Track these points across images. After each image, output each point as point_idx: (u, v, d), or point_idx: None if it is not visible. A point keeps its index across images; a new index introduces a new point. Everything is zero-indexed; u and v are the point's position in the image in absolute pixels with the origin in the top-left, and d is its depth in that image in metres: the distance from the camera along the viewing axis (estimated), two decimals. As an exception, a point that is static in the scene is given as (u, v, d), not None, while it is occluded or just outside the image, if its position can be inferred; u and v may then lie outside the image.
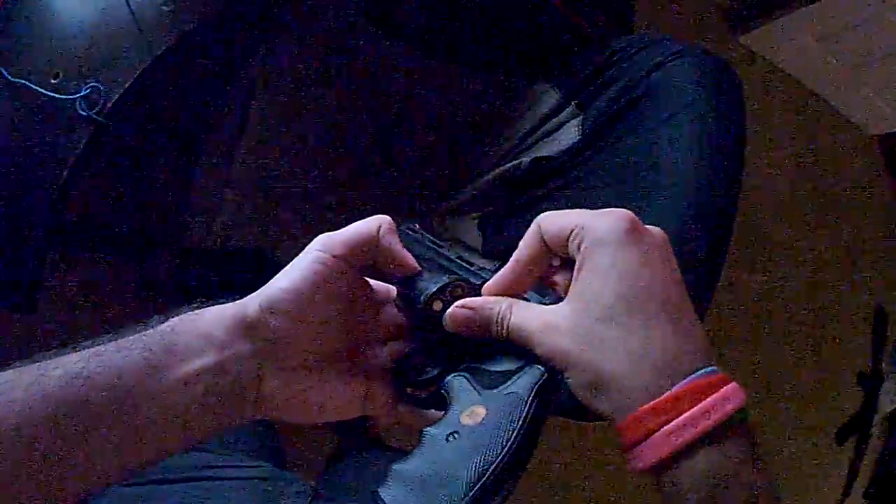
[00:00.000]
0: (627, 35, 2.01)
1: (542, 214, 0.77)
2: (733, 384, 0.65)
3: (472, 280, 0.83)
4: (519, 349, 0.75)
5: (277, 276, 0.79)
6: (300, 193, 1.96)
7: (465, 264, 0.87)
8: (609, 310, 0.68)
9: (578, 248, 0.71)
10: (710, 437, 0.61)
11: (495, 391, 0.73)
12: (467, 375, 0.77)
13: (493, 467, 0.66)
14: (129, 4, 1.58)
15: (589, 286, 0.70)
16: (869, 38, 3.19)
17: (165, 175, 2.02)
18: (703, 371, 0.65)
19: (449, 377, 0.78)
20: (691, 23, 3.40)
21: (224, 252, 1.93)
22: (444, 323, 0.78)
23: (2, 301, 1.72)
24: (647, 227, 0.74)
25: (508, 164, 1.77)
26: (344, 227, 0.81)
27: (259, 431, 1.52)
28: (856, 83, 3.50)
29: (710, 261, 1.44)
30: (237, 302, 0.78)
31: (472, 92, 2.00)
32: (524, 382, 0.72)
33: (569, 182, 1.70)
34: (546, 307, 0.74)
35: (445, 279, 0.80)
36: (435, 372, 0.80)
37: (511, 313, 0.75)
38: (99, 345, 0.71)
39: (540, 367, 0.73)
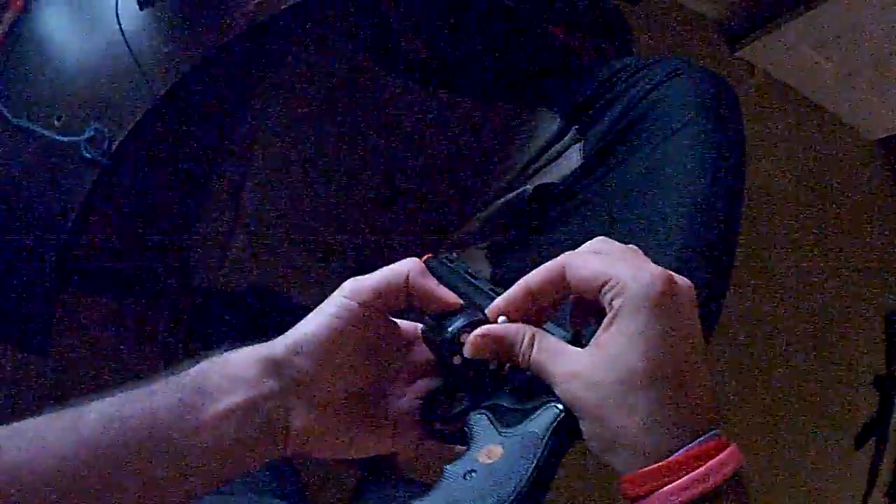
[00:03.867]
0: (626, 57, 2.02)
1: (570, 254, 0.78)
2: (733, 447, 0.68)
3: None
4: (540, 388, 0.76)
5: (304, 319, 0.80)
6: (308, 231, 1.97)
7: (496, 296, 0.86)
8: (632, 374, 0.69)
9: (610, 302, 0.73)
10: (707, 497, 0.65)
11: (513, 429, 0.74)
12: (488, 413, 0.78)
13: None
14: (128, 46, 1.59)
15: (616, 345, 0.71)
16: (866, 43, 3.20)
17: (173, 216, 2.03)
18: (708, 435, 0.68)
19: (472, 414, 0.79)
20: (688, 40, 3.41)
21: (234, 292, 1.93)
22: (464, 349, 0.79)
23: (15, 343, 1.74)
24: (677, 280, 0.75)
25: (512, 194, 1.78)
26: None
27: (279, 469, 1.53)
28: (855, 88, 3.50)
29: (712, 291, 1.43)
30: (264, 343, 0.79)
31: (474, 122, 2.01)
32: (542, 421, 0.73)
33: (572, 208, 1.70)
34: (569, 349, 0.76)
35: (463, 321, 0.81)
36: (462, 408, 0.81)
37: (533, 348, 0.77)
38: (131, 389, 0.73)
39: (559, 406, 0.74)
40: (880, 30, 3.08)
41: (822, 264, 3.55)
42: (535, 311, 0.81)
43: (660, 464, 0.66)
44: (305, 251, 1.96)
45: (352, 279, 0.81)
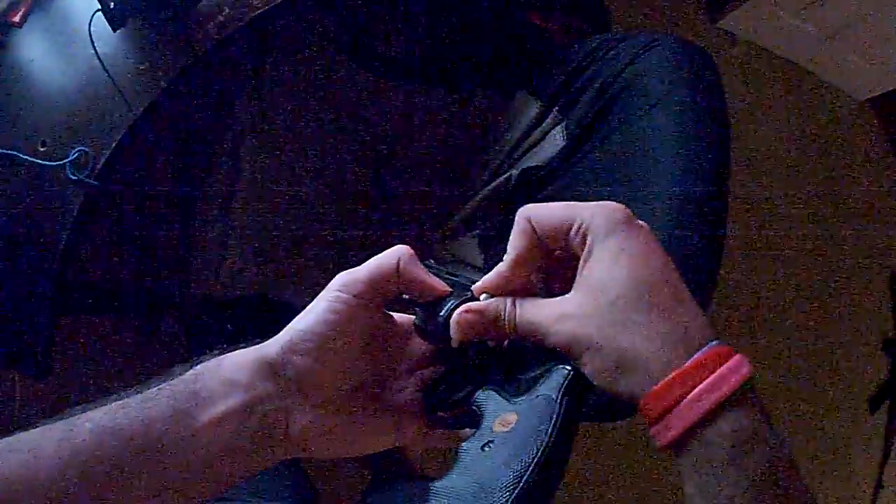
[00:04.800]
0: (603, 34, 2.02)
1: (526, 208, 0.78)
2: (739, 355, 0.67)
3: None
4: (543, 354, 0.75)
5: (298, 317, 0.79)
6: (300, 234, 1.97)
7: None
8: (624, 292, 0.69)
9: (582, 240, 0.73)
10: (731, 401, 0.64)
11: (524, 397, 0.73)
12: (496, 388, 0.77)
13: (530, 468, 0.65)
14: (104, 67, 1.60)
15: (600, 272, 0.71)
16: (846, 2, 3.19)
17: (165, 229, 2.04)
18: (713, 343, 0.67)
19: (477, 393, 0.78)
20: (668, 13, 3.40)
21: (231, 299, 1.93)
22: (450, 332, 0.78)
23: (16, 366, 1.74)
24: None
25: (499, 180, 1.78)
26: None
27: (289, 477, 1.52)
28: (839, 50, 3.48)
29: (708, 250, 1.43)
30: (258, 345, 0.78)
31: (456, 113, 2.01)
32: (552, 383, 0.72)
33: (559, 189, 1.70)
34: (552, 300, 0.75)
35: (454, 303, 0.79)
36: (464, 392, 0.80)
37: (517, 309, 0.75)
38: (125, 398, 0.72)
39: (566, 366, 0.72)
40: (860, -11, 3.08)
41: (821, 229, 3.55)
42: (519, 282, 0.79)
43: (675, 373, 0.65)
44: (299, 254, 1.97)
45: (342, 273, 0.80)
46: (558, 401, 0.70)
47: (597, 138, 1.67)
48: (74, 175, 1.58)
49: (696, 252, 1.40)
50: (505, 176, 1.77)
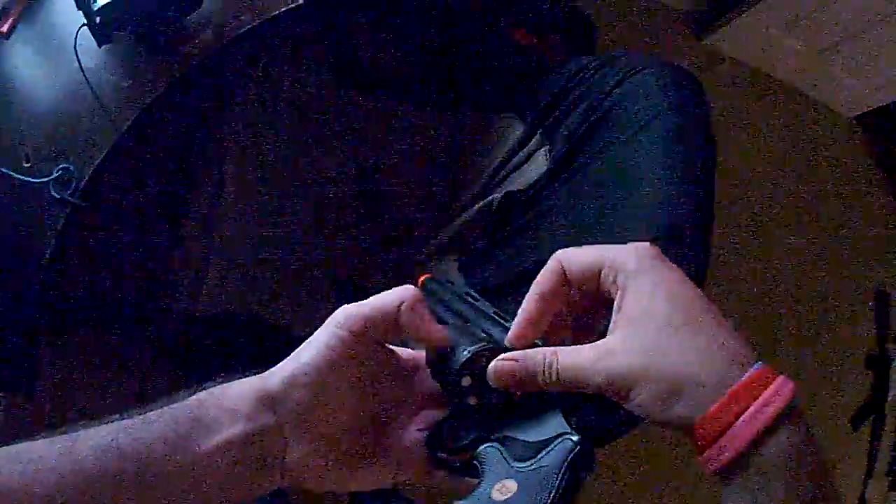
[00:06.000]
0: (588, 55, 2.02)
1: (560, 252, 0.78)
2: (782, 376, 0.68)
3: (503, 338, 0.81)
4: (552, 418, 0.74)
5: (298, 350, 0.78)
6: (284, 252, 1.97)
7: (499, 319, 0.85)
8: (669, 320, 0.70)
9: (614, 281, 0.73)
10: (781, 419, 0.64)
11: (526, 464, 0.71)
12: (500, 447, 0.75)
13: None
14: (89, 83, 1.59)
15: (640, 306, 0.71)
16: (833, 20, 3.20)
17: (149, 246, 2.03)
18: (755, 365, 0.67)
19: (482, 447, 0.76)
20: (654, 31, 3.42)
21: (213, 316, 1.93)
22: (487, 377, 0.77)
23: (1, 384, 1.73)
24: None
25: (482, 203, 1.78)
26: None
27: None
28: (828, 67, 3.50)
29: (695, 274, 1.43)
30: (260, 375, 0.78)
31: (441, 133, 2.01)
32: (557, 455, 0.71)
33: (542, 213, 1.70)
34: (589, 345, 0.74)
35: (470, 351, 0.78)
36: (469, 439, 0.78)
37: (558, 357, 0.74)
38: (127, 418, 0.72)
39: (572, 437, 0.71)
40: (846, 6, 3.09)
41: (808, 246, 3.56)
42: (544, 324, 0.79)
43: (730, 391, 0.65)
44: (281, 272, 1.96)
45: (343, 307, 0.79)
46: (560, 475, 0.69)
47: (581, 162, 1.67)
48: (58, 193, 1.57)
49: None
50: (488, 199, 1.77)
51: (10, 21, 1.72)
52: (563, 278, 0.76)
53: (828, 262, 3.59)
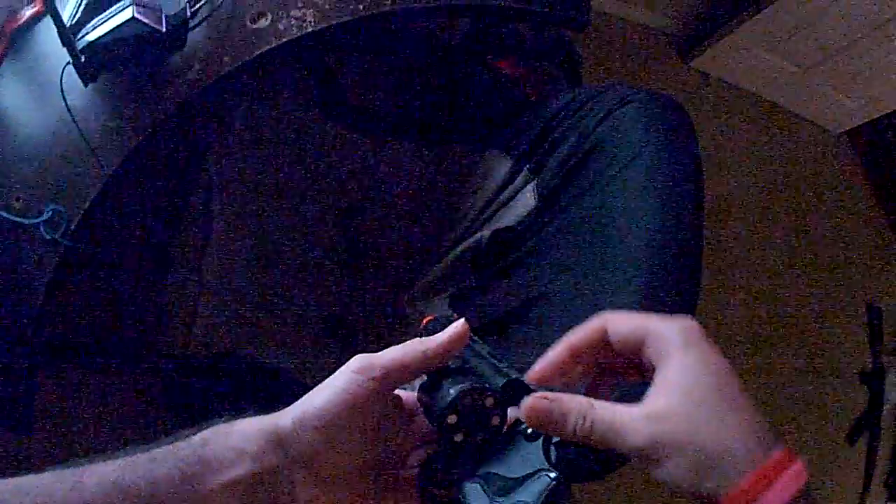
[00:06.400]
0: (574, 85, 2.02)
1: (608, 314, 0.79)
2: (800, 458, 0.70)
3: (496, 381, 0.82)
4: (532, 454, 0.76)
5: (312, 392, 0.79)
6: (273, 292, 1.97)
7: (494, 361, 0.86)
8: (711, 394, 0.71)
9: (657, 351, 0.74)
10: (799, 498, 0.66)
11: (505, 498, 0.74)
12: (482, 482, 0.77)
13: None
14: (76, 123, 1.59)
15: (685, 377, 0.72)
16: (818, 38, 3.22)
17: (140, 286, 2.03)
18: (778, 445, 0.69)
19: (465, 483, 0.78)
20: (640, 55, 3.43)
21: (206, 356, 1.93)
22: (522, 413, 0.76)
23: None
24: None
25: (470, 240, 1.78)
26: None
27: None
28: (813, 84, 3.52)
29: (685, 307, 1.43)
30: (269, 416, 0.78)
31: (428, 168, 2.01)
32: (534, 490, 0.73)
33: (530, 250, 1.70)
34: (628, 404, 0.74)
35: (455, 390, 0.79)
36: (455, 475, 0.80)
37: (594, 408, 0.75)
38: (133, 454, 0.72)
39: (550, 474, 0.73)
40: (832, 23, 3.10)
41: (799, 262, 3.57)
42: (567, 371, 0.81)
43: (761, 468, 0.67)
44: (269, 312, 1.96)
45: (360, 356, 0.80)
46: None
47: (569, 198, 1.67)
48: (49, 234, 1.57)
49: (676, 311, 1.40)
50: (476, 237, 1.77)
51: (-3, 54, 1.72)
52: (602, 338, 0.78)
53: (819, 278, 3.60)
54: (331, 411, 0.76)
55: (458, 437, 0.80)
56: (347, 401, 0.77)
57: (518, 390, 0.80)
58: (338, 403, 0.77)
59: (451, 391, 0.79)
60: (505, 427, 0.81)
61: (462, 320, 0.84)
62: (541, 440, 0.76)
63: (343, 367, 0.79)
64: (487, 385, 0.81)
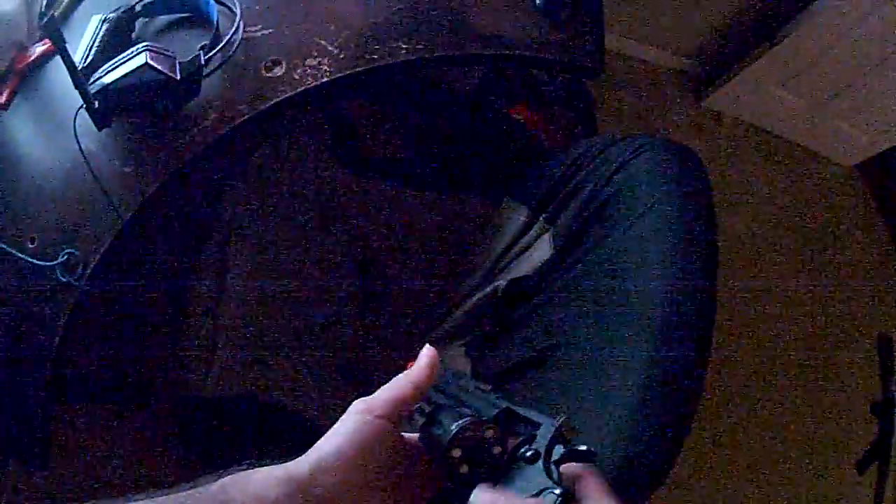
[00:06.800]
0: (588, 129, 2.03)
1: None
2: None
3: (489, 412, 0.86)
4: (536, 476, 0.78)
5: (324, 438, 0.80)
6: (289, 337, 1.97)
7: (482, 393, 0.91)
8: None
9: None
10: None
11: None
12: None
13: None
14: (90, 168, 1.59)
15: None
16: (829, 72, 3.23)
17: (156, 328, 2.04)
18: None
19: None
20: (654, 96, 3.44)
21: (223, 399, 1.93)
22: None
23: (16, 457, 1.73)
24: None
25: (487, 290, 1.79)
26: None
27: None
28: (825, 118, 3.53)
29: (697, 360, 1.43)
30: (286, 464, 0.78)
31: (443, 216, 2.02)
32: None
33: (546, 300, 1.71)
34: None
35: (457, 426, 0.82)
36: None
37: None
38: (150, 499, 0.72)
39: (555, 490, 0.75)
40: (841, 57, 3.11)
41: (811, 293, 3.57)
42: None
43: None
44: (288, 355, 1.96)
45: (358, 400, 0.83)
46: None
47: (584, 248, 1.68)
48: (64, 277, 1.57)
49: (683, 369, 1.40)
50: (492, 287, 1.78)
51: (8, 91, 1.71)
52: None
53: (831, 309, 3.60)
54: (345, 454, 0.78)
55: (464, 469, 0.82)
56: (358, 441, 0.79)
57: (510, 418, 0.85)
58: (350, 445, 0.79)
59: (453, 427, 0.82)
60: (506, 455, 0.83)
61: (426, 345, 0.88)
62: (540, 461, 0.78)
63: (346, 413, 0.82)
64: (483, 417, 0.85)
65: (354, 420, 0.80)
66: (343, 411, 0.83)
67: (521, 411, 0.85)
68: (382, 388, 0.84)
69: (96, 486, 2.02)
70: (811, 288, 3.58)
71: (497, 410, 0.86)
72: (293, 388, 1.92)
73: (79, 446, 2.08)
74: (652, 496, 1.30)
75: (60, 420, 1.95)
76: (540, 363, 1.64)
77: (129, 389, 2.09)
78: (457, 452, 0.81)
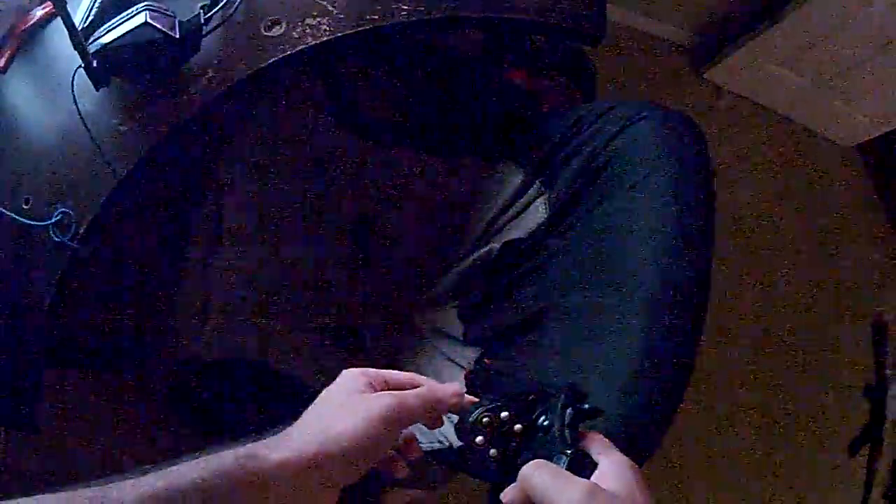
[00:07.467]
0: (588, 99, 2.02)
1: (527, 472, 0.81)
2: None
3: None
4: (557, 446, 0.85)
5: (343, 419, 0.81)
6: (283, 298, 1.96)
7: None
8: None
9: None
10: None
11: None
12: None
13: None
14: (87, 127, 1.58)
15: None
16: (831, 53, 3.22)
17: (148, 289, 2.03)
18: None
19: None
20: (653, 67, 3.43)
21: (214, 361, 1.92)
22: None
23: (4, 420, 1.73)
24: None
25: (481, 251, 1.78)
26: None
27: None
28: (825, 98, 3.52)
29: (689, 331, 1.42)
30: (290, 447, 0.78)
31: (440, 179, 2.01)
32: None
33: (540, 263, 1.70)
34: None
35: (470, 418, 0.89)
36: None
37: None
38: (152, 471, 0.70)
39: (567, 451, 0.83)
40: (844, 37, 3.10)
41: (806, 275, 3.57)
42: None
43: None
44: (279, 318, 1.96)
45: (391, 400, 0.84)
46: None
47: (580, 212, 1.67)
48: (57, 237, 1.56)
49: (675, 337, 1.40)
50: (487, 248, 1.77)
51: (7, 55, 1.70)
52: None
53: (826, 291, 3.60)
54: (350, 447, 0.79)
55: (493, 453, 0.89)
56: (368, 443, 0.80)
57: (522, 396, 0.91)
58: (358, 442, 0.80)
59: (469, 419, 0.89)
60: (530, 429, 0.89)
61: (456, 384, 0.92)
62: (555, 427, 0.86)
63: (377, 411, 0.82)
64: (498, 402, 0.90)
65: (369, 425, 0.81)
66: (336, 374, 0.86)
67: (535, 386, 0.91)
68: (418, 392, 0.88)
69: (88, 447, 2.03)
70: (806, 265, 3.58)
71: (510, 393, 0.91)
72: (285, 351, 1.91)
73: (70, 409, 2.07)
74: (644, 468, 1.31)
75: (51, 383, 1.94)
76: (532, 327, 1.64)
77: (121, 354, 2.09)
78: (480, 440, 0.88)
